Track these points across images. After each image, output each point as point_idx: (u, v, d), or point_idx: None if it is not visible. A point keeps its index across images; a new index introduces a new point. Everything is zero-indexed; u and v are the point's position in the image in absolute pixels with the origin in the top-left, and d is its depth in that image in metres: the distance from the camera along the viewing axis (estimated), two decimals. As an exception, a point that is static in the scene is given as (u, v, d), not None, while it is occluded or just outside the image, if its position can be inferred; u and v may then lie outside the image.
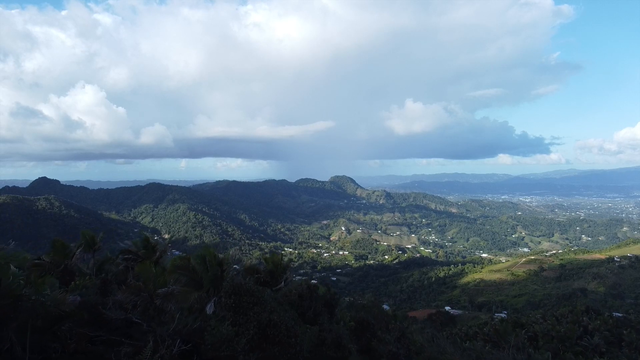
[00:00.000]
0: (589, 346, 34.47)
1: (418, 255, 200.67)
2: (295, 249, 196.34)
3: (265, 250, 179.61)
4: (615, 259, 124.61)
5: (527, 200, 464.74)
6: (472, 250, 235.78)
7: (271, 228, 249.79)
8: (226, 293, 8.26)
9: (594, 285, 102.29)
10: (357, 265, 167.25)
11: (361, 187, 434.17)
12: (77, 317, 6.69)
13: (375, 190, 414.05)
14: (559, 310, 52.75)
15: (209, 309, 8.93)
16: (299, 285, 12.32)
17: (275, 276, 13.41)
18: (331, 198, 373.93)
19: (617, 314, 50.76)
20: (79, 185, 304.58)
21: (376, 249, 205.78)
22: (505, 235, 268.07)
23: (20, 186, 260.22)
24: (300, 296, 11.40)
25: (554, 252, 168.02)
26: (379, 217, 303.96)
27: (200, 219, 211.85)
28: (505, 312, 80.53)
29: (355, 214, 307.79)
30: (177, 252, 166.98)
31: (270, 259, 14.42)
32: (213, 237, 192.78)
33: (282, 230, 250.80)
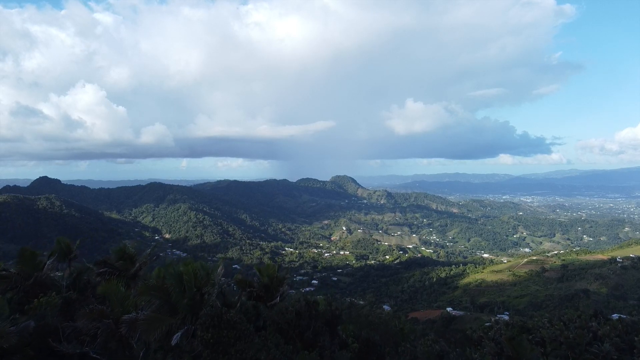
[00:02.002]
0: (599, 353, 32.98)
1: (419, 255, 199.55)
2: (296, 248, 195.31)
3: (266, 250, 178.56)
4: (618, 259, 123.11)
5: (529, 201, 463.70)
6: (473, 251, 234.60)
7: (272, 228, 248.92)
8: (202, 325, 6.66)
9: (597, 286, 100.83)
10: (358, 265, 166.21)
11: (362, 187, 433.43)
12: (22, 353, 5.50)
13: (376, 190, 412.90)
14: (566, 314, 51.47)
15: (175, 339, 7.46)
16: (297, 301, 10.94)
17: (270, 290, 12.02)
18: (332, 198, 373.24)
19: (623, 316, 49.52)
20: (79, 185, 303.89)
21: (377, 249, 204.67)
22: (507, 236, 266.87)
23: (21, 185, 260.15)
24: (297, 314, 10.02)
25: (556, 252, 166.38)
26: (380, 217, 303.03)
27: (201, 219, 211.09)
28: (507, 313, 79.35)
29: (356, 214, 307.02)
30: (177, 252, 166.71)
31: (265, 270, 12.93)
32: (214, 236, 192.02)
33: (283, 230, 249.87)
